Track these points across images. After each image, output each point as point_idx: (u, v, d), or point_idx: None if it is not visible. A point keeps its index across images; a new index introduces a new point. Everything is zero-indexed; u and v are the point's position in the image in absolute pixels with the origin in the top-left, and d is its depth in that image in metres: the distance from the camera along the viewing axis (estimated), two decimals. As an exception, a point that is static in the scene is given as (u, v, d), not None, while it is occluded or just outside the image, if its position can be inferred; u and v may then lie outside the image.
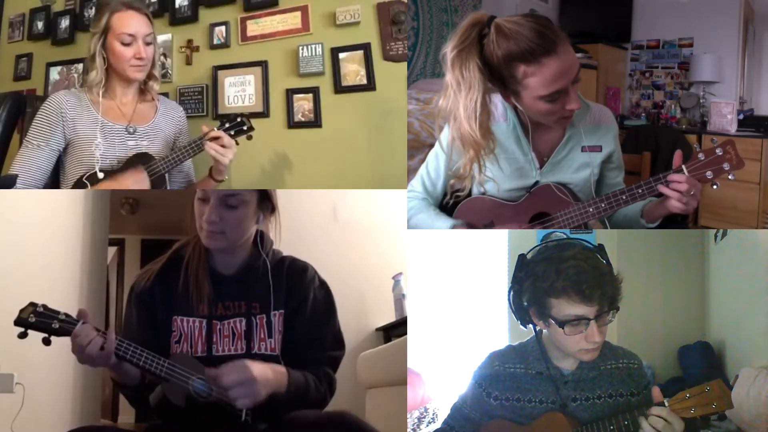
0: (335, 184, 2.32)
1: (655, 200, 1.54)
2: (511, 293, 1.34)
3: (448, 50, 1.48)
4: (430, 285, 2.63)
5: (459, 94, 1.47)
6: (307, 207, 2.76)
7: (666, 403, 1.18)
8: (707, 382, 1.17)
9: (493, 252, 2.65)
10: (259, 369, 1.29)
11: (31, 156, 1.94)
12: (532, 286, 1.28)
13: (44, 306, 1.26)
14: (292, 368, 1.38)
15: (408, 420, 2.31)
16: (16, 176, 1.84)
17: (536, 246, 1.33)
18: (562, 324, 1.24)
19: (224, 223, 1.38)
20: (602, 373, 1.31)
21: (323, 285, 1.51)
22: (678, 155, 1.46)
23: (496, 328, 2.61)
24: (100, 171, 1.92)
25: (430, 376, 2.47)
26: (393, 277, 2.68)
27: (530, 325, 1.34)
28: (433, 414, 2.40)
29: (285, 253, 1.53)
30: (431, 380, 2.47)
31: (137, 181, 1.88)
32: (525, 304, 1.31)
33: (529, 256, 1.32)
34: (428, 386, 2.45)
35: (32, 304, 1.26)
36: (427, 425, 2.37)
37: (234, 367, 1.28)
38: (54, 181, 2.02)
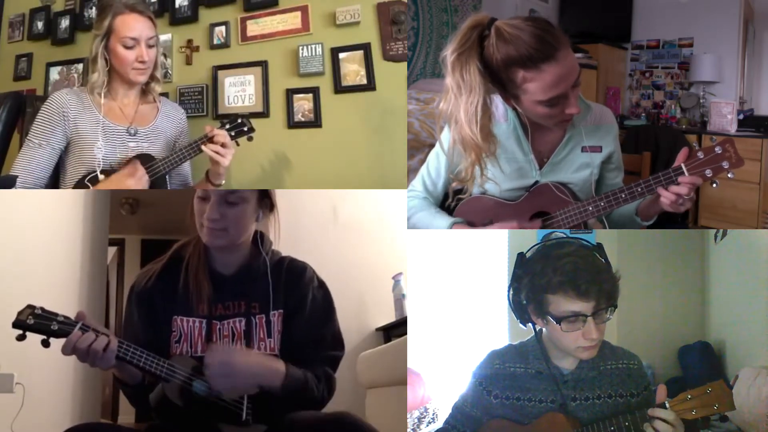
0: (335, 183, 2.32)
1: (650, 198, 1.54)
2: (510, 291, 1.34)
3: (448, 53, 1.48)
4: (430, 285, 2.63)
5: (459, 97, 1.47)
6: (307, 207, 2.76)
7: (667, 405, 1.18)
8: (709, 383, 1.17)
9: (493, 252, 2.65)
10: (247, 359, 1.31)
11: (33, 155, 1.94)
12: (529, 283, 1.29)
13: (42, 308, 1.26)
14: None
15: (408, 420, 2.31)
16: (16, 177, 1.84)
17: (535, 245, 1.33)
18: (559, 320, 1.24)
19: (225, 220, 1.38)
20: (602, 373, 1.32)
21: (322, 285, 1.51)
22: (683, 153, 1.45)
23: (496, 328, 2.61)
24: (101, 173, 1.92)
25: (430, 376, 2.47)
26: (393, 277, 2.68)
27: (530, 324, 1.34)
28: (433, 414, 2.40)
29: (285, 253, 1.53)
30: (431, 380, 2.47)
31: (135, 178, 1.87)
32: (524, 301, 1.31)
33: (528, 255, 1.32)
34: (428, 386, 2.45)
35: (30, 307, 1.26)
36: (427, 425, 2.37)
37: (218, 349, 1.31)
38: (54, 180, 2.02)
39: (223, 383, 1.28)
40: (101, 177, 1.92)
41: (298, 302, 1.46)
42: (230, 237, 1.41)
